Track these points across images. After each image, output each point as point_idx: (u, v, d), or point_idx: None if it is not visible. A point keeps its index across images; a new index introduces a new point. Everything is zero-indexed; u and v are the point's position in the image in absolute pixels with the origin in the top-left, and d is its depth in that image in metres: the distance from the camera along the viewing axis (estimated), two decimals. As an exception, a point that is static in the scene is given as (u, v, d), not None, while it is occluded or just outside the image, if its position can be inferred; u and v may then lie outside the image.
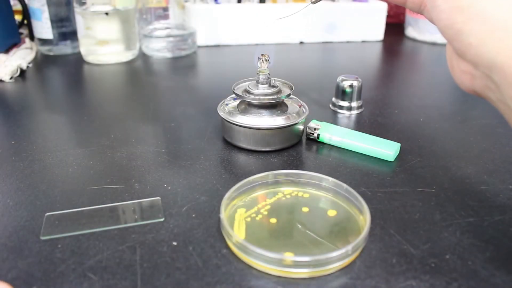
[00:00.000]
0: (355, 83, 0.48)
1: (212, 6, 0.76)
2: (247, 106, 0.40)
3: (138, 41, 0.71)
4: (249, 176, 0.32)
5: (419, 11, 0.32)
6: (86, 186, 0.34)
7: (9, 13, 0.68)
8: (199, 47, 0.77)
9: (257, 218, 0.29)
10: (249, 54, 0.74)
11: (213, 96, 0.52)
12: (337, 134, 0.41)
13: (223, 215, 0.28)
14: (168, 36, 0.72)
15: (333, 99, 0.50)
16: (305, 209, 0.30)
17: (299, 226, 0.29)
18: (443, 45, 0.80)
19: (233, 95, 0.41)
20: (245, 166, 0.37)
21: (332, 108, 0.50)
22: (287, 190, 0.32)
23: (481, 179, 0.35)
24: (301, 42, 0.82)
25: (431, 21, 0.31)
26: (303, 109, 0.41)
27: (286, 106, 0.41)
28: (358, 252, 0.27)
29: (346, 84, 0.48)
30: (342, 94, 0.49)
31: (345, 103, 0.49)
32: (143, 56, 0.72)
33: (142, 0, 0.71)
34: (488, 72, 0.23)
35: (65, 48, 0.71)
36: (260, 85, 0.40)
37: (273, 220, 0.29)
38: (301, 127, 0.41)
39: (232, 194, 0.30)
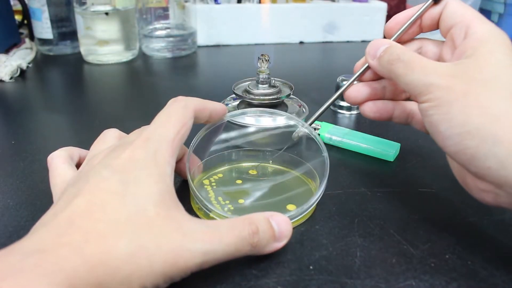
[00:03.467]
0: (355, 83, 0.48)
1: (212, 6, 0.76)
2: (247, 106, 0.40)
3: (138, 41, 0.71)
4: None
5: (406, 123, 0.31)
6: (86, 186, 0.34)
7: (9, 13, 0.68)
8: (199, 47, 0.77)
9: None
10: (249, 54, 0.74)
11: (213, 96, 0.52)
12: (337, 134, 0.41)
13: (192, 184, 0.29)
14: (168, 36, 0.72)
15: (333, 99, 0.50)
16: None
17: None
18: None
19: (233, 95, 0.41)
20: (245, 166, 0.37)
21: (332, 108, 0.50)
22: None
23: (481, 179, 0.35)
24: (301, 42, 0.82)
25: (420, 127, 0.30)
26: (303, 109, 0.41)
27: (286, 106, 0.41)
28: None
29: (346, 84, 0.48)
30: (342, 94, 0.49)
31: (345, 103, 0.49)
32: (143, 56, 0.72)
33: (142, 0, 0.71)
34: None
35: (65, 48, 0.71)
36: (260, 85, 0.40)
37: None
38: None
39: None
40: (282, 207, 0.30)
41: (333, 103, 0.33)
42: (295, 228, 0.29)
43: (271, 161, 0.36)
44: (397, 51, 0.27)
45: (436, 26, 0.29)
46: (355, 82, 0.31)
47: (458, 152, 0.23)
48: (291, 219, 0.27)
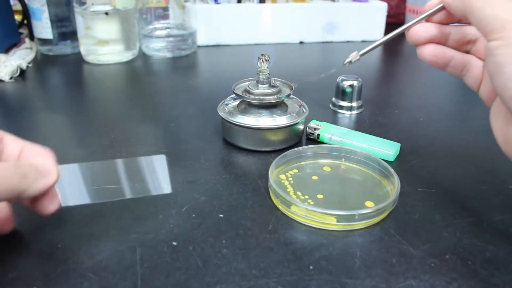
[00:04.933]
0: (355, 83, 0.48)
1: (212, 6, 0.76)
2: (247, 106, 0.40)
3: (138, 41, 0.71)
4: (249, 176, 0.32)
5: (460, 76, 0.31)
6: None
7: (9, 13, 0.68)
8: (199, 47, 0.77)
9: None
10: (249, 54, 0.74)
11: (213, 96, 0.52)
12: (337, 134, 0.41)
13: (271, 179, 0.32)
14: (168, 36, 0.72)
15: (333, 99, 0.50)
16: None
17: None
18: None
19: (233, 95, 0.41)
20: (245, 166, 0.37)
21: (332, 108, 0.50)
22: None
23: (481, 179, 0.35)
24: (301, 42, 0.82)
25: (471, 82, 0.29)
26: (303, 109, 0.41)
27: (286, 106, 0.41)
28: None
29: (346, 84, 0.48)
30: (342, 94, 0.49)
31: (345, 103, 0.49)
32: (143, 56, 0.72)
33: (142, 0, 0.71)
34: None
35: (65, 48, 0.71)
36: (260, 85, 0.40)
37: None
38: (301, 127, 0.41)
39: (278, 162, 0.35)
40: (360, 204, 0.31)
41: (388, 40, 0.32)
42: (297, 228, 0.29)
43: (343, 159, 0.37)
44: None
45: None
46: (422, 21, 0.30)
47: None
48: (370, 217, 0.29)
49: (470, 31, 0.30)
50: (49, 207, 0.26)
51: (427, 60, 0.30)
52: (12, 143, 0.28)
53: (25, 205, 0.26)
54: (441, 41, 0.30)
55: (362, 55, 0.32)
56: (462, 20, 0.30)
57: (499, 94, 0.24)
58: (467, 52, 0.31)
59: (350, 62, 0.33)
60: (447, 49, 0.30)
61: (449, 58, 0.30)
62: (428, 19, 0.30)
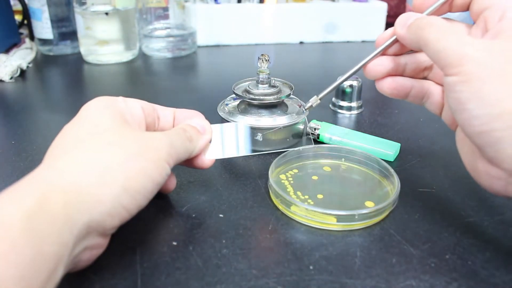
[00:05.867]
0: (355, 83, 0.48)
1: (212, 6, 0.76)
2: (247, 106, 0.40)
3: (138, 41, 0.71)
4: (249, 176, 0.32)
5: (421, 104, 0.31)
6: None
7: (9, 13, 0.68)
8: (199, 47, 0.77)
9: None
10: (249, 54, 0.74)
11: (213, 96, 0.52)
12: (337, 134, 0.41)
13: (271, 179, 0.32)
14: (168, 36, 0.72)
15: (333, 99, 0.50)
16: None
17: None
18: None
19: (233, 95, 0.41)
20: (245, 166, 0.37)
21: (332, 108, 0.50)
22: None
23: (481, 179, 0.35)
24: (301, 42, 0.82)
25: (433, 108, 0.30)
26: (303, 109, 0.41)
27: (286, 106, 0.41)
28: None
29: (346, 84, 0.48)
30: (342, 94, 0.49)
31: (345, 103, 0.49)
32: (143, 56, 0.72)
33: (142, 0, 0.71)
34: None
35: (65, 48, 0.71)
36: (260, 85, 0.40)
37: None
38: (301, 127, 0.41)
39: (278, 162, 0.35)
40: (360, 204, 0.31)
41: (346, 80, 0.33)
42: (297, 228, 0.29)
43: (343, 159, 0.37)
44: (430, 18, 0.25)
45: (466, 7, 0.27)
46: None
47: (482, 133, 0.22)
48: (370, 217, 0.29)
49: (425, 58, 0.30)
50: (205, 162, 0.31)
51: (388, 94, 0.30)
52: (164, 110, 0.32)
53: (181, 164, 0.30)
54: (398, 72, 0.30)
55: (321, 98, 0.34)
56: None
57: (462, 129, 0.24)
58: (425, 78, 0.31)
59: (311, 106, 0.34)
60: (405, 79, 0.30)
61: (408, 89, 0.30)
62: (383, 52, 0.30)
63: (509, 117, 0.21)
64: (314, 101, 0.34)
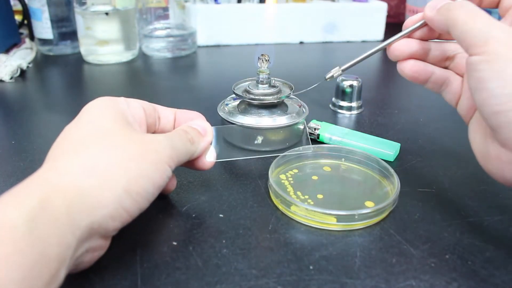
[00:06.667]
0: (355, 83, 0.48)
1: (212, 6, 0.76)
2: (247, 106, 0.40)
3: (138, 41, 0.71)
4: (249, 176, 0.32)
5: (439, 91, 0.31)
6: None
7: (9, 13, 0.68)
8: (199, 47, 0.77)
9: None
10: (249, 54, 0.74)
11: (213, 96, 0.52)
12: (337, 134, 0.41)
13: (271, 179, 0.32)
14: (168, 36, 0.72)
15: (333, 99, 0.50)
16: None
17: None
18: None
19: (233, 95, 0.41)
20: (245, 166, 0.37)
21: (332, 108, 0.50)
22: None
23: (481, 179, 0.35)
24: (301, 42, 0.82)
25: (450, 98, 0.30)
26: (303, 109, 0.41)
27: (286, 106, 0.41)
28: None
29: (346, 84, 0.48)
30: (342, 94, 0.49)
31: (345, 103, 0.49)
32: (143, 56, 0.72)
33: (142, 0, 0.71)
34: None
35: (65, 48, 0.71)
36: (260, 85, 0.40)
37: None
38: (301, 127, 0.41)
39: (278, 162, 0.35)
40: (360, 204, 0.31)
41: (370, 55, 0.33)
42: (297, 228, 0.29)
43: (343, 159, 0.37)
44: (460, 1, 0.26)
45: (496, 4, 0.28)
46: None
47: (499, 113, 0.22)
48: (370, 217, 0.29)
49: (450, 47, 0.30)
50: (206, 164, 0.31)
51: (408, 76, 0.30)
52: (165, 110, 0.32)
53: (182, 166, 0.30)
54: (422, 57, 0.30)
55: (343, 70, 0.34)
56: (442, 36, 0.30)
57: (479, 109, 0.24)
58: (446, 68, 0.31)
59: (332, 77, 0.34)
60: (427, 64, 0.30)
61: (429, 74, 0.30)
62: (409, 35, 0.30)
63: None
64: (335, 71, 0.34)
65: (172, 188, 0.31)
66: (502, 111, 0.22)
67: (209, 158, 0.31)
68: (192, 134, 0.29)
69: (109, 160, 0.23)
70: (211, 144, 0.31)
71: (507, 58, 0.22)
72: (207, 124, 0.31)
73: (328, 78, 0.34)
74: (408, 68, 0.30)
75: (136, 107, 0.29)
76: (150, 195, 0.25)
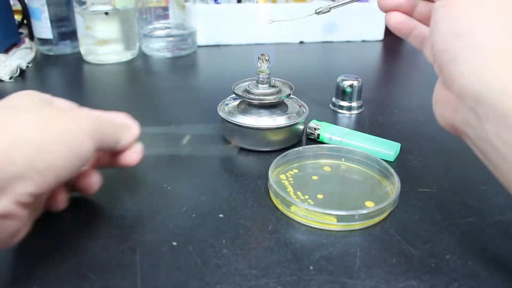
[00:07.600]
0: (355, 83, 0.48)
1: (212, 6, 0.76)
2: (247, 106, 0.40)
3: (138, 41, 0.71)
4: (249, 176, 0.32)
5: (419, 47, 0.32)
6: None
7: (9, 13, 0.68)
8: (199, 47, 0.77)
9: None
10: (249, 54, 0.74)
11: (213, 96, 0.52)
12: (337, 134, 0.41)
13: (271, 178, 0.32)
14: (168, 36, 0.72)
15: (333, 99, 0.50)
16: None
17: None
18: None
19: (233, 95, 0.41)
20: (245, 166, 0.37)
21: (332, 108, 0.50)
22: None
23: (481, 179, 0.35)
24: (301, 42, 0.82)
25: (428, 54, 0.30)
26: (303, 109, 0.41)
27: (286, 106, 0.41)
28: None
29: (346, 84, 0.48)
30: (342, 94, 0.49)
31: (345, 103, 0.49)
32: (143, 56, 0.72)
33: (142, 0, 0.71)
34: (474, 105, 0.23)
35: (65, 48, 0.71)
36: (260, 85, 0.40)
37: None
38: (301, 127, 0.41)
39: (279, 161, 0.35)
40: (360, 204, 0.31)
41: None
42: (297, 228, 0.29)
43: (343, 159, 0.37)
44: None
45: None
46: None
47: (443, 50, 0.24)
48: (370, 217, 0.29)
49: None
50: (133, 157, 0.30)
51: (392, 27, 0.32)
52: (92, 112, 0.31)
53: (107, 164, 0.30)
54: (408, 12, 0.31)
55: (332, 8, 0.35)
56: None
57: (432, 51, 0.26)
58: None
59: (321, 12, 0.36)
60: (411, 19, 0.31)
61: (411, 28, 0.31)
62: None
63: (469, 37, 0.23)
64: (324, 8, 0.35)
65: (94, 186, 0.30)
66: (445, 49, 0.24)
67: (135, 153, 0.30)
68: (120, 121, 0.30)
69: (22, 122, 0.23)
70: (140, 146, 0.31)
71: (461, 2, 0.24)
72: (131, 120, 0.31)
73: (317, 12, 0.36)
74: (393, 19, 0.31)
75: (63, 101, 0.30)
76: (68, 163, 0.24)
